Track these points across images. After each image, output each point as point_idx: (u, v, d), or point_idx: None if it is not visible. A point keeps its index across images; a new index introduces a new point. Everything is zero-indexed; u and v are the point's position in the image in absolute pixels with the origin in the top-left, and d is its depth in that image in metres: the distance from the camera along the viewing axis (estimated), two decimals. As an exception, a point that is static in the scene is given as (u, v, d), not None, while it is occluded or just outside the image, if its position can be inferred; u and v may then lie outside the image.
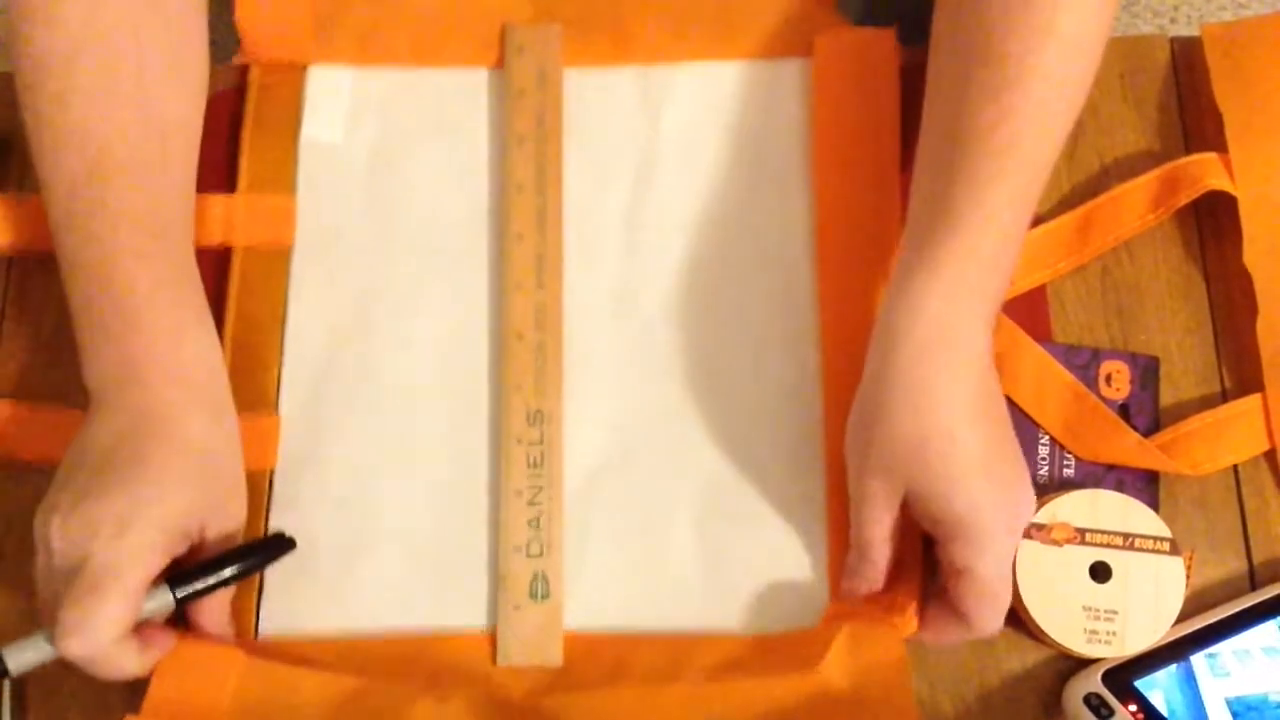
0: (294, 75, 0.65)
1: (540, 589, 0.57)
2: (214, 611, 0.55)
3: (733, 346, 0.61)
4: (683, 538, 0.59)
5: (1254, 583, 0.58)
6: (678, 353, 0.61)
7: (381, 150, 0.65)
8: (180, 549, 0.52)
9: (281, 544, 0.56)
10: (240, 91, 0.65)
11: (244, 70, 0.66)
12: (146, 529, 0.50)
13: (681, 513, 0.59)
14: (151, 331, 0.53)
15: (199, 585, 0.52)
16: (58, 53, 0.55)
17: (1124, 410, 0.60)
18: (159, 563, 0.51)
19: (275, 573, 0.58)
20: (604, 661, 0.56)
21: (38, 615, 0.52)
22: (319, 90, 0.65)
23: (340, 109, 0.65)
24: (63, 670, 0.53)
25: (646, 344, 0.62)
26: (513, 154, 0.64)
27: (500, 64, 0.66)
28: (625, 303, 0.62)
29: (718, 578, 0.58)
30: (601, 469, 0.60)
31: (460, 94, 0.66)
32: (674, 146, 0.65)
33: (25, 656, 0.51)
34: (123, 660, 0.51)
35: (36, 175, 0.56)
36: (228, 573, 0.53)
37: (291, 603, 0.58)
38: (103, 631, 0.49)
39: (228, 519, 0.54)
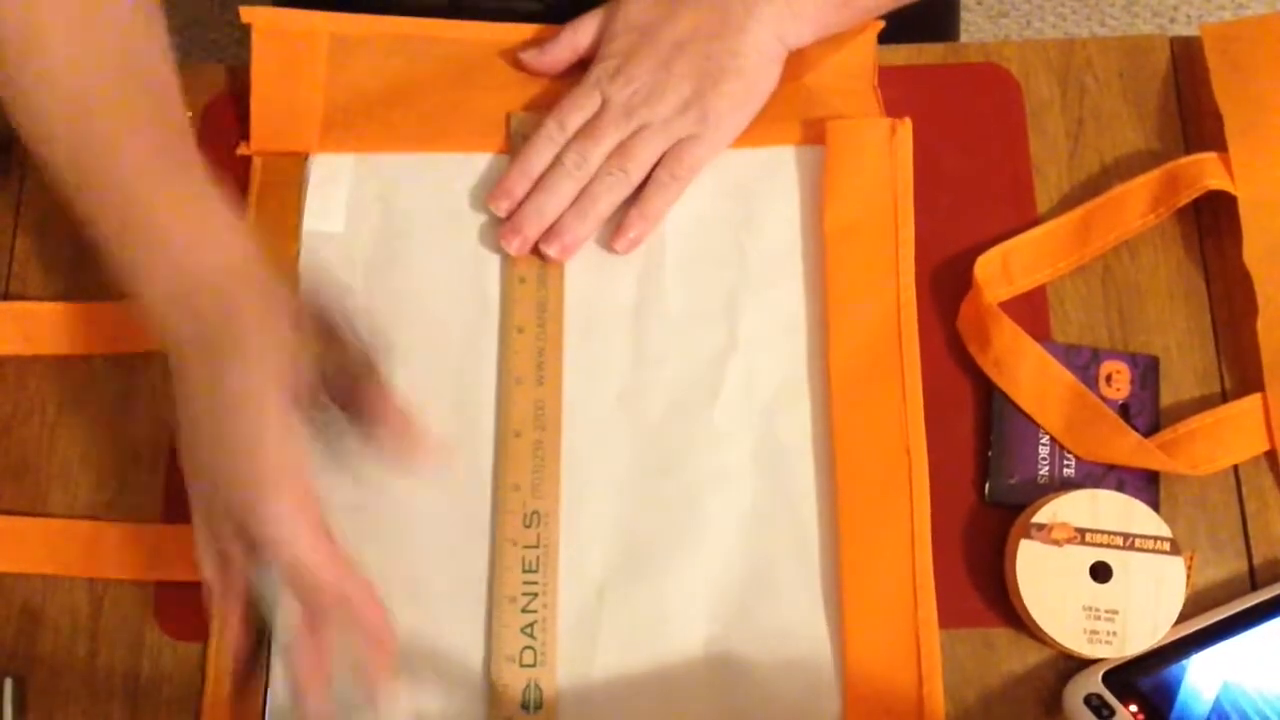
0: (295, 165, 0.64)
1: (533, 699, 0.55)
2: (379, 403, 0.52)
3: (739, 443, 0.59)
4: (691, 651, 0.56)
5: (1254, 583, 0.58)
6: (682, 450, 0.59)
7: (384, 238, 0.63)
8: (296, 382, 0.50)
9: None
10: (241, 184, 0.64)
11: (246, 162, 0.64)
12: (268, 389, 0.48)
13: (689, 624, 0.57)
14: (183, 242, 0.51)
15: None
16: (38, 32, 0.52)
17: (1124, 410, 0.60)
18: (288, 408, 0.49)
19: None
20: None
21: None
22: (320, 179, 0.64)
23: (341, 197, 0.64)
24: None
25: (649, 441, 0.59)
26: None
27: (504, 150, 0.64)
28: (628, 398, 0.60)
29: (729, 697, 0.55)
30: (604, 575, 0.57)
31: (464, 179, 0.64)
32: (680, 235, 0.62)
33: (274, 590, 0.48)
34: (333, 564, 0.48)
35: (37, 157, 0.53)
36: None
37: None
38: (292, 516, 0.47)
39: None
